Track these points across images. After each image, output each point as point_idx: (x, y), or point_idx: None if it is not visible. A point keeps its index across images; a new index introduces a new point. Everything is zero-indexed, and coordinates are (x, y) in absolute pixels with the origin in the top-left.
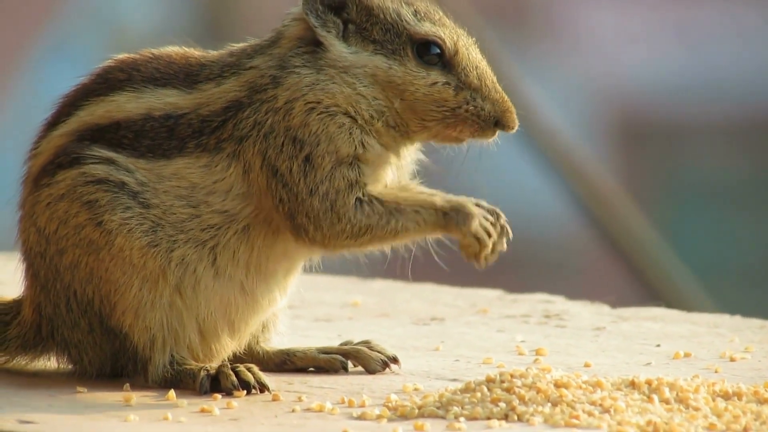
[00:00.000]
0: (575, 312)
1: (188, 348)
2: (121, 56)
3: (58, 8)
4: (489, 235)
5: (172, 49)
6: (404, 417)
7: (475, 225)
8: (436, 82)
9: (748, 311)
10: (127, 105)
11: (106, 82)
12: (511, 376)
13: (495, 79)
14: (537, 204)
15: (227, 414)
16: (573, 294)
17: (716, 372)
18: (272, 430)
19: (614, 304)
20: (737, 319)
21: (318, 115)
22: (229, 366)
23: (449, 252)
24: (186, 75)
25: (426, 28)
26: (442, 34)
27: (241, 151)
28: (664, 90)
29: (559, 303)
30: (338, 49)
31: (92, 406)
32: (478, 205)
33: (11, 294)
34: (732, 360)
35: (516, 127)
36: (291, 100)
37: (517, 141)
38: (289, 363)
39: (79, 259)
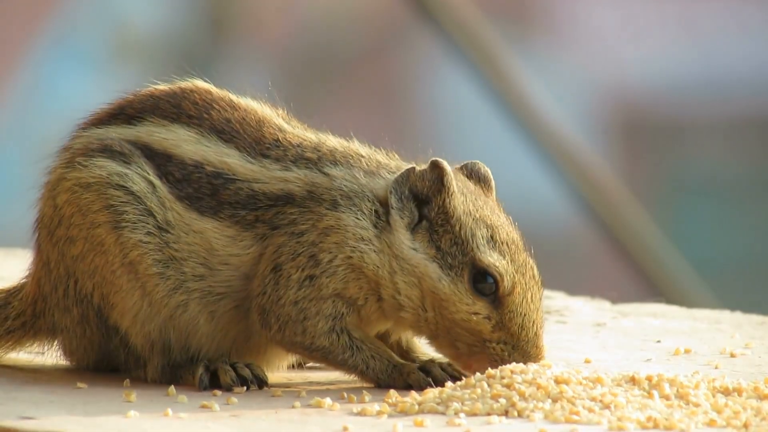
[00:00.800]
0: (576, 308)
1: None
2: (201, 85)
3: (60, 4)
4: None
5: (252, 105)
6: (404, 413)
7: (417, 381)
8: (479, 313)
9: (748, 307)
10: (185, 145)
11: (177, 110)
12: (512, 372)
13: (539, 332)
14: (538, 200)
15: (227, 410)
16: (574, 290)
17: (716, 368)
18: (272, 425)
19: (615, 300)
20: (737, 315)
21: (344, 260)
22: (228, 362)
23: None
24: (255, 142)
25: (492, 260)
26: (503, 271)
27: (269, 236)
28: (665, 86)
29: (559, 299)
30: (401, 237)
31: (92, 402)
32: (443, 369)
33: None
34: (732, 356)
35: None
36: (333, 230)
37: (519, 137)
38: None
39: (86, 254)
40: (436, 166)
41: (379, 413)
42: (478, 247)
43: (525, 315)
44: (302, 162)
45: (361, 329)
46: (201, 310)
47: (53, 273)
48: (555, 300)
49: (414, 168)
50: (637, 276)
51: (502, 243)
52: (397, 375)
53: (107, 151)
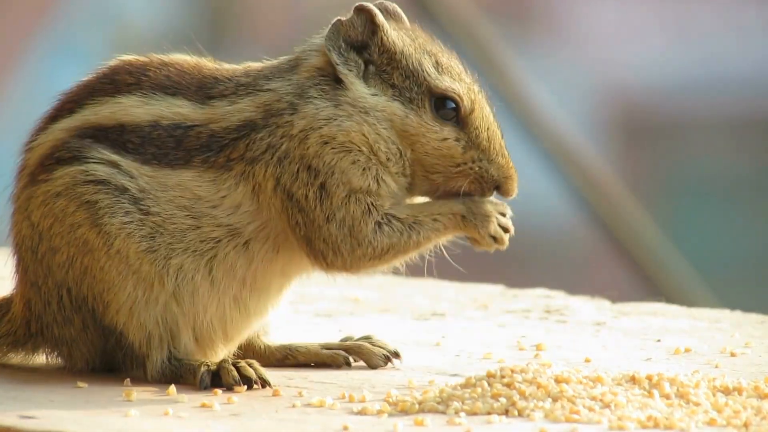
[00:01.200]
0: (576, 307)
1: (184, 349)
2: (129, 57)
3: (59, 4)
4: (506, 231)
5: (183, 58)
6: (404, 412)
7: (494, 227)
8: (447, 138)
9: (748, 306)
10: (134, 109)
11: (113, 83)
12: (512, 371)
13: (503, 144)
14: (538, 199)
15: (228, 409)
16: (574, 289)
17: (716, 367)
18: (273, 425)
19: (615, 299)
20: (737, 314)
21: (332, 149)
22: (230, 361)
23: (453, 246)
24: (198, 87)
25: (446, 84)
26: (461, 92)
27: (252, 172)
28: (665, 86)
29: (559, 298)
30: (358, 88)
31: (93, 402)
32: (490, 202)
33: (8, 289)
34: (732, 355)
35: (514, 195)
36: (306, 129)
37: (519, 136)
38: (291, 358)
39: (73, 258)
40: (362, 10)
41: (380, 412)
42: (429, 74)
43: (488, 128)
44: (242, 89)
45: (407, 204)
46: (197, 266)
47: (42, 290)
48: (555, 299)
49: (340, 20)
50: (637, 275)
51: (448, 65)
52: (472, 216)
53: (61, 160)
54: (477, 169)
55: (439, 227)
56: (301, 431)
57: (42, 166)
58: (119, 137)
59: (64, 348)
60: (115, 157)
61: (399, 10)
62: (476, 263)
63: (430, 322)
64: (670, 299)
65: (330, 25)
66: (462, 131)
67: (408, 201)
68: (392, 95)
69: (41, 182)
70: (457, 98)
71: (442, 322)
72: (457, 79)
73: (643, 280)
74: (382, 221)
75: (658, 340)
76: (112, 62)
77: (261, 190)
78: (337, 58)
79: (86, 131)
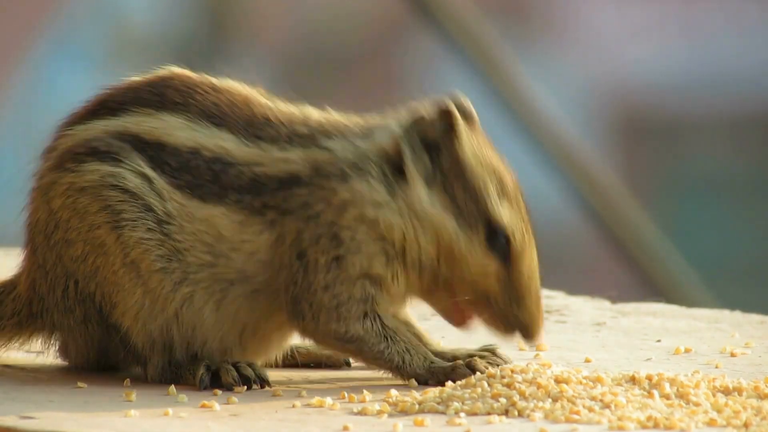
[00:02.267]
0: (576, 307)
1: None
2: (180, 71)
3: (60, 5)
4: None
5: (235, 86)
6: (404, 412)
7: (461, 378)
8: (490, 272)
9: (748, 306)
10: (176, 131)
11: (161, 98)
12: (512, 371)
13: (540, 291)
14: (537, 199)
15: (228, 409)
16: (573, 289)
17: (717, 367)
18: (273, 425)
19: (615, 300)
20: (737, 315)
21: (367, 230)
22: (230, 361)
23: None
24: (247, 124)
25: (505, 218)
26: (516, 230)
27: (281, 222)
28: (665, 85)
29: (559, 298)
30: (419, 192)
31: (93, 402)
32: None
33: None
34: (732, 355)
35: (537, 341)
36: (348, 202)
37: (519, 136)
38: (291, 359)
39: (86, 256)
40: (445, 112)
41: (380, 413)
42: (491, 199)
43: (531, 274)
44: (297, 139)
45: (394, 318)
46: (207, 300)
47: (50, 274)
48: (555, 299)
49: (422, 116)
50: (637, 275)
51: (509, 192)
52: (437, 371)
53: (95, 153)
54: (504, 308)
55: (406, 359)
56: (301, 431)
57: (73, 154)
58: (157, 155)
59: (59, 335)
60: (150, 173)
61: (473, 110)
62: None
63: (431, 322)
64: (670, 299)
65: (410, 117)
66: (506, 268)
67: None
68: (450, 209)
69: (68, 171)
70: (512, 237)
71: (443, 323)
72: (515, 210)
73: (643, 281)
74: (369, 315)
75: (658, 341)
76: (162, 72)
77: (281, 242)
78: (408, 153)
79: (126, 137)
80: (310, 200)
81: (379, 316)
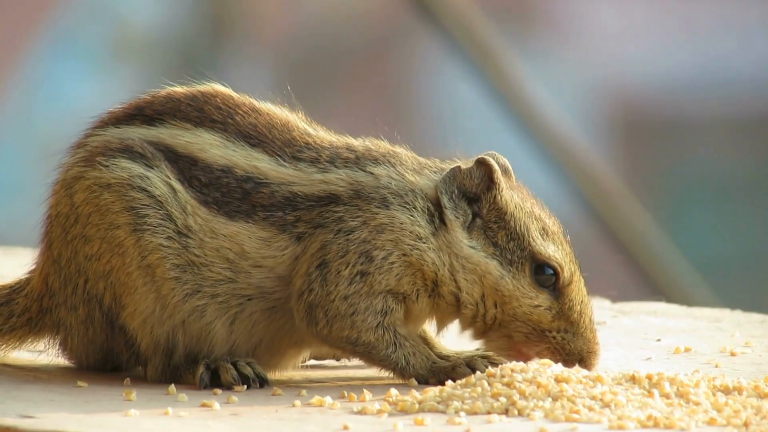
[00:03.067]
0: None
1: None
2: (223, 90)
3: (61, 5)
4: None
5: (274, 110)
6: (404, 412)
7: (461, 377)
8: (540, 306)
9: (748, 306)
10: (212, 149)
11: (200, 114)
12: (512, 370)
13: (593, 318)
14: (538, 198)
15: (228, 409)
16: None
17: (717, 367)
18: (273, 424)
19: (615, 299)
20: (738, 314)
21: (399, 257)
22: (229, 360)
23: None
24: (284, 145)
25: (550, 252)
26: (562, 262)
27: (310, 236)
28: (666, 85)
29: None
30: (459, 237)
31: (93, 401)
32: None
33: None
34: (732, 355)
35: (593, 369)
36: (387, 227)
37: (519, 135)
38: None
39: (102, 254)
40: (483, 164)
41: (380, 412)
42: (534, 240)
43: (582, 302)
44: (340, 162)
45: (406, 326)
46: (219, 315)
47: (63, 270)
48: None
49: (460, 167)
50: (637, 275)
51: (553, 234)
52: (438, 370)
53: (128, 152)
54: (560, 339)
55: (411, 361)
56: (301, 431)
57: (105, 149)
58: (188, 170)
59: (62, 332)
60: (177, 185)
61: (509, 165)
62: None
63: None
64: (670, 299)
65: (449, 169)
66: (556, 300)
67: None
68: (492, 254)
69: (97, 166)
70: (559, 268)
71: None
72: (561, 248)
73: (643, 280)
74: (383, 325)
75: (658, 340)
76: (205, 88)
77: (304, 252)
78: (447, 203)
79: (160, 147)
80: (346, 216)
81: (393, 326)
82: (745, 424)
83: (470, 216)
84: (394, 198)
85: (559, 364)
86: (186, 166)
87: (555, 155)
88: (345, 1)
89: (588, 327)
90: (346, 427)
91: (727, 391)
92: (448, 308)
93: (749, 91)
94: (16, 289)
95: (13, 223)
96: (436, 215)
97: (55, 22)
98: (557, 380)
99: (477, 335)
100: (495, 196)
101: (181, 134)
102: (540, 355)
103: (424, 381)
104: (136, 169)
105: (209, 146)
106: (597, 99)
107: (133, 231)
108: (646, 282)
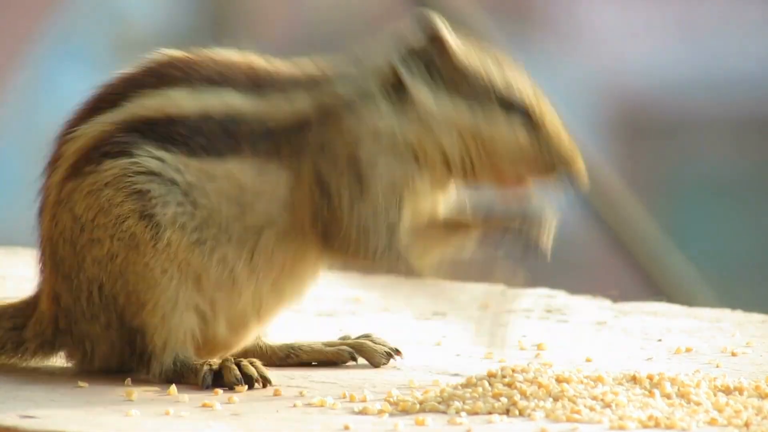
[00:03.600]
0: (577, 307)
1: (215, 338)
2: (174, 52)
3: (61, 5)
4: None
5: (231, 53)
6: (405, 412)
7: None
8: (519, 138)
9: (749, 306)
10: (183, 101)
11: (160, 78)
12: (513, 370)
13: (572, 141)
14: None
15: (228, 409)
16: (575, 289)
17: (718, 367)
18: (273, 425)
19: (616, 299)
20: (739, 314)
21: (387, 157)
22: (232, 360)
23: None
24: (249, 80)
25: (515, 89)
26: (529, 96)
27: (298, 164)
28: (666, 85)
29: (560, 297)
30: (426, 99)
31: (94, 401)
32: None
33: (12, 288)
34: (733, 355)
35: (585, 183)
36: (363, 134)
37: None
38: (294, 357)
39: (114, 252)
40: (425, 21)
41: (381, 412)
42: (497, 80)
43: (557, 126)
44: (300, 85)
45: (416, 231)
46: (238, 256)
47: (74, 283)
48: (556, 298)
49: (403, 28)
50: (638, 275)
51: (513, 71)
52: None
53: (107, 155)
54: (545, 163)
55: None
56: (302, 431)
57: (87, 158)
58: (166, 130)
59: (87, 344)
60: (161, 154)
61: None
62: (476, 263)
63: (431, 321)
64: (671, 299)
65: (393, 33)
66: (533, 133)
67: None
68: (459, 103)
69: (88, 174)
70: (527, 102)
71: (443, 322)
72: (522, 80)
73: (644, 280)
74: (395, 244)
75: (660, 340)
76: (157, 56)
77: (301, 182)
78: (401, 65)
79: (133, 125)
80: (324, 137)
81: (403, 244)
82: (746, 425)
83: (427, 74)
84: (356, 100)
85: (561, 364)
86: (163, 128)
87: None
88: (345, 0)
89: (569, 146)
90: (347, 427)
91: (728, 391)
92: (442, 178)
93: (750, 91)
94: (23, 314)
95: (15, 223)
96: (397, 91)
97: (55, 22)
98: (558, 380)
99: (466, 183)
100: (447, 49)
101: (148, 101)
102: (531, 184)
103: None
104: (123, 161)
105: (179, 100)
106: (597, 99)
107: (142, 217)
108: (647, 282)
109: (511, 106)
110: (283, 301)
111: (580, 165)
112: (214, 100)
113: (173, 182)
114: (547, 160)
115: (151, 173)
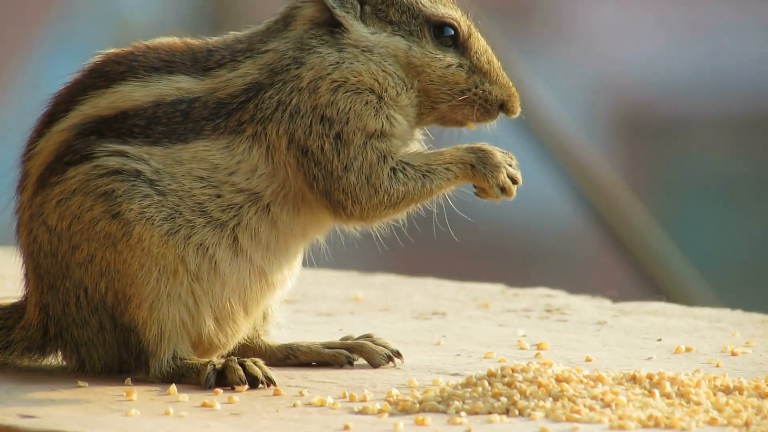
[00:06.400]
0: (577, 306)
1: (202, 335)
2: (112, 50)
3: (61, 4)
4: (515, 182)
5: (168, 39)
6: (405, 411)
7: (503, 177)
8: (451, 65)
9: (749, 305)
10: (133, 94)
11: (104, 76)
12: (513, 370)
13: (500, 65)
14: (539, 198)
15: (228, 409)
16: (574, 288)
17: (717, 366)
18: (273, 424)
19: (615, 299)
20: (738, 314)
21: (345, 93)
22: (236, 360)
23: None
24: (193, 61)
25: (442, 11)
26: (457, 17)
27: (264, 133)
28: (666, 84)
29: (560, 297)
30: (358, 29)
31: (93, 401)
32: (500, 151)
33: (12, 288)
34: (733, 354)
35: (519, 113)
36: (316, 78)
37: (520, 134)
38: (292, 357)
39: (94, 254)
40: None
41: (381, 412)
42: (424, 5)
43: (486, 51)
44: (240, 55)
45: (418, 153)
46: (218, 240)
47: (60, 291)
48: (556, 298)
49: None
50: (638, 274)
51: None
52: (482, 165)
53: (71, 162)
54: (481, 92)
55: (450, 176)
56: (302, 430)
57: (51, 170)
58: (123, 124)
59: (82, 349)
60: (121, 147)
61: None
62: (477, 262)
63: (431, 321)
64: (670, 298)
65: None
66: (463, 56)
67: (417, 134)
68: (392, 31)
69: (54, 185)
70: (455, 23)
71: (443, 322)
72: (450, 6)
73: (643, 280)
74: (396, 167)
75: (659, 340)
76: (97, 58)
77: (275, 150)
78: (332, 2)
79: (88, 127)
80: (282, 97)
81: (403, 162)
82: (746, 424)
83: (358, 6)
84: (298, 52)
85: (560, 364)
86: (119, 124)
87: (555, 154)
88: None
89: (500, 73)
90: (347, 427)
91: (727, 390)
92: (399, 106)
93: (751, 91)
94: (10, 317)
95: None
96: (331, 32)
97: (54, 22)
98: (558, 380)
99: (420, 124)
100: None
101: (99, 100)
102: (468, 118)
103: (470, 178)
104: (84, 166)
105: (130, 93)
106: (597, 98)
107: (112, 217)
108: (647, 282)
109: (440, 28)
110: (270, 288)
111: (518, 101)
112: (163, 86)
113: (138, 174)
114: (481, 88)
115: (113, 173)
